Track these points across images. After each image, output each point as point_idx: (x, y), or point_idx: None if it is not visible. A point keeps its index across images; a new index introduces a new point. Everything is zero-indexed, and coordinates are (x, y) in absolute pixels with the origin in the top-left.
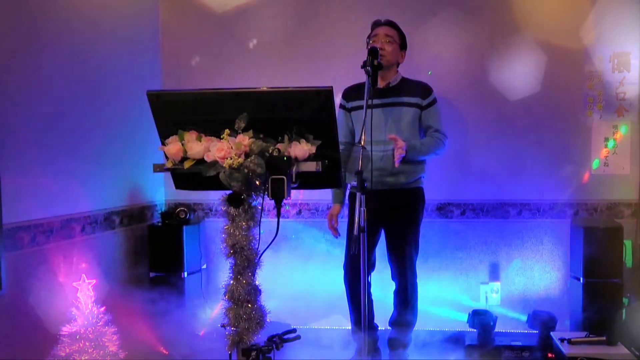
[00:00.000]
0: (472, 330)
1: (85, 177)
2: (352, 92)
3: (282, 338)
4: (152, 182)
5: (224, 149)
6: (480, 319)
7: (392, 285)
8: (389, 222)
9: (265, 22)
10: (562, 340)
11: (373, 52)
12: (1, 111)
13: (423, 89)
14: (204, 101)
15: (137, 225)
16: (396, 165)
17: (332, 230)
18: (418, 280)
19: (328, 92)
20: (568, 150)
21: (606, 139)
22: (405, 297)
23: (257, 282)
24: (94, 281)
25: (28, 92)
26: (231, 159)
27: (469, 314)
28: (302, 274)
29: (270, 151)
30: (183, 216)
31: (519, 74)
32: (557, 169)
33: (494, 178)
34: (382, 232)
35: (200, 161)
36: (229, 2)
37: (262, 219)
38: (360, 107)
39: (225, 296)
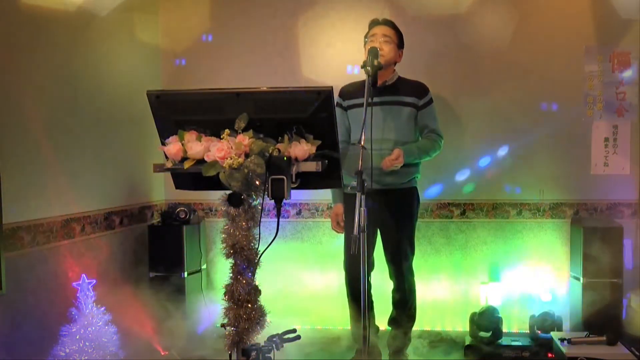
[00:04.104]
0: (473, 330)
1: (85, 177)
2: (349, 90)
3: (282, 338)
4: (152, 182)
5: (224, 149)
6: (483, 318)
7: (392, 285)
8: (384, 222)
9: (265, 22)
10: (562, 340)
11: (373, 52)
12: (1, 111)
13: (419, 89)
14: (204, 101)
15: (137, 225)
16: (383, 167)
17: (339, 228)
18: (418, 280)
19: (328, 92)
20: (568, 150)
21: (606, 139)
22: (403, 297)
23: (257, 282)
24: (94, 281)
25: (28, 92)
26: (231, 159)
27: (471, 314)
28: (303, 274)
29: (270, 151)
30: (183, 216)
31: (519, 73)
32: (557, 169)
33: (494, 178)
34: (378, 232)
35: (200, 161)
36: (228, 2)
37: (262, 219)
38: (357, 106)
39: (225, 296)
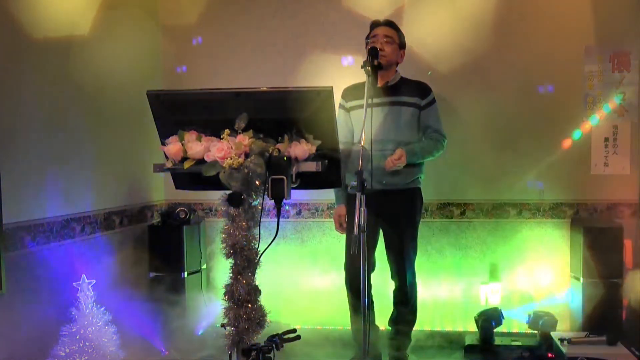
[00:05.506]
0: (474, 329)
1: (85, 177)
2: (351, 92)
3: (282, 338)
4: (152, 182)
5: (224, 149)
6: (487, 318)
7: (392, 286)
8: (387, 223)
9: (265, 22)
10: (562, 340)
11: (373, 52)
12: (1, 111)
13: (422, 89)
14: (204, 101)
15: (137, 225)
16: (386, 167)
17: (342, 230)
18: (418, 280)
19: (328, 92)
20: (568, 150)
21: (606, 139)
22: (405, 296)
23: (257, 282)
24: (94, 281)
25: (28, 92)
26: (231, 159)
27: (478, 314)
28: (302, 274)
29: (270, 151)
30: (183, 216)
31: (519, 73)
32: (557, 169)
33: (494, 178)
34: (381, 232)
35: (200, 161)
36: (228, 2)
37: (262, 219)
38: (359, 107)
39: (225, 296)
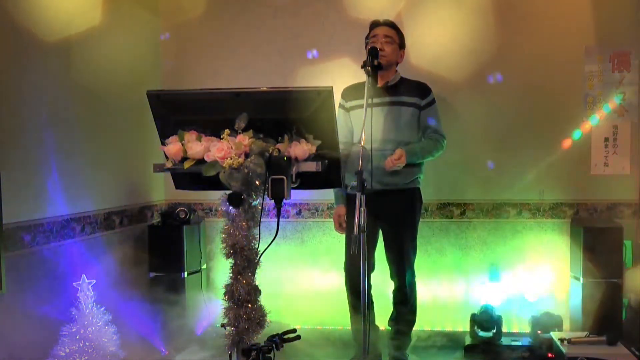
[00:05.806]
0: (473, 330)
1: (85, 177)
2: (351, 92)
3: (282, 338)
4: (152, 182)
5: (224, 149)
6: (484, 318)
7: (392, 286)
8: (386, 223)
9: (265, 22)
10: (562, 340)
11: (373, 52)
12: (1, 111)
13: (422, 89)
14: (204, 101)
15: (137, 225)
16: (386, 167)
17: (342, 230)
18: (418, 280)
19: (328, 92)
20: (568, 150)
21: (606, 139)
22: (404, 296)
23: (257, 282)
24: (94, 281)
25: (28, 92)
26: (231, 159)
27: (472, 314)
28: (302, 274)
29: (270, 151)
30: (183, 216)
31: (519, 73)
32: (557, 169)
33: (494, 178)
34: (380, 232)
35: (200, 161)
36: (228, 2)
37: (262, 219)
38: (359, 107)
39: (225, 296)
